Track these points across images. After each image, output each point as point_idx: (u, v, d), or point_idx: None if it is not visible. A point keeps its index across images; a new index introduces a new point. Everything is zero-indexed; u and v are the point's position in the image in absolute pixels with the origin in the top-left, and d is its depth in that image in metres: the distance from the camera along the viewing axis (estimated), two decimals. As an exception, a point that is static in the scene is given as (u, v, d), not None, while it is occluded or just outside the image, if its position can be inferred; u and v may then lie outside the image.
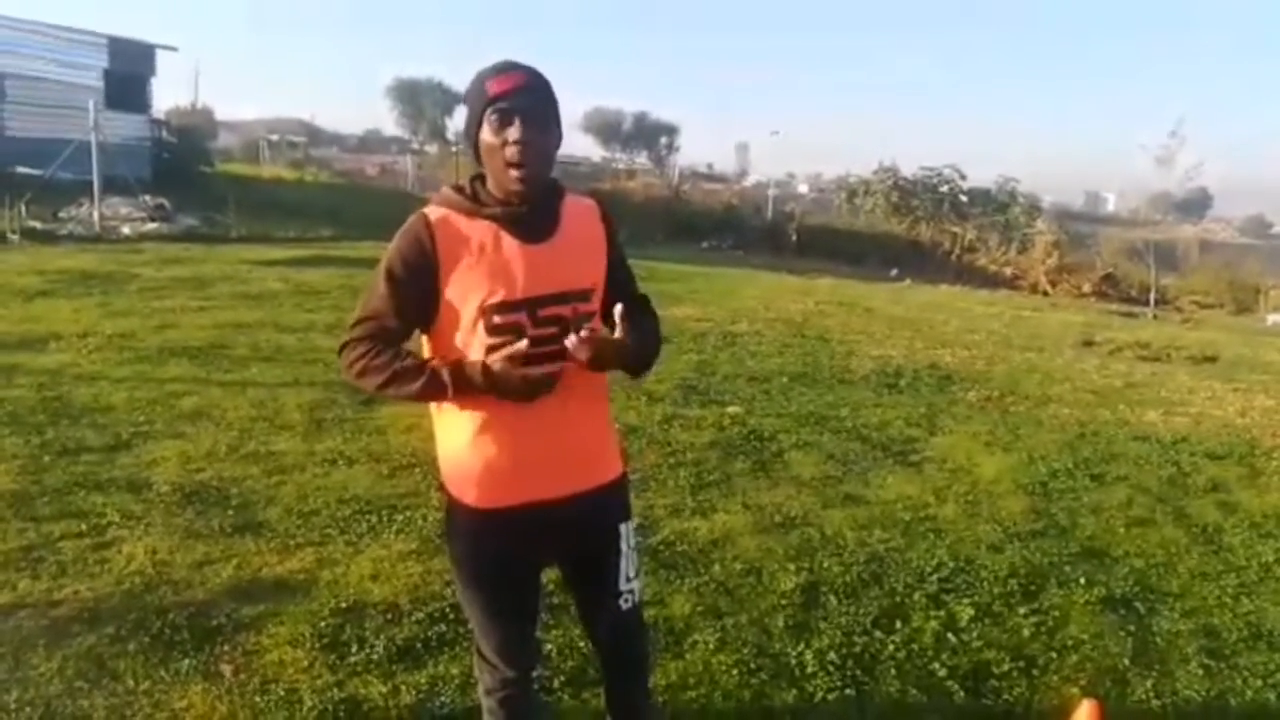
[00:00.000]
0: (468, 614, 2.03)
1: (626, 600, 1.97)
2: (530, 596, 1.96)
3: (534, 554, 1.91)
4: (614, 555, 1.94)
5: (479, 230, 1.73)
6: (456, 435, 1.82)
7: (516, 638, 1.96)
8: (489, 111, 1.67)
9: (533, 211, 1.74)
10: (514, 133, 1.66)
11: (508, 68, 1.70)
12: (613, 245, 1.89)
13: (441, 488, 1.93)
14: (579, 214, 1.85)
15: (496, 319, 1.71)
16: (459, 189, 1.79)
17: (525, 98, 1.68)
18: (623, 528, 1.96)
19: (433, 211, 1.75)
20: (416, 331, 1.82)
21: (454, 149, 31.07)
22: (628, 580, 1.96)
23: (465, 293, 1.71)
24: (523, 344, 1.68)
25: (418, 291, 1.73)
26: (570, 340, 1.69)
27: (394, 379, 1.73)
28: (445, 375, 1.71)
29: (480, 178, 1.78)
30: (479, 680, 2.06)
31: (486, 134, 1.69)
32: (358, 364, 1.77)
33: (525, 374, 1.70)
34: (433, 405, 1.85)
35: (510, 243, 1.73)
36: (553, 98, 1.74)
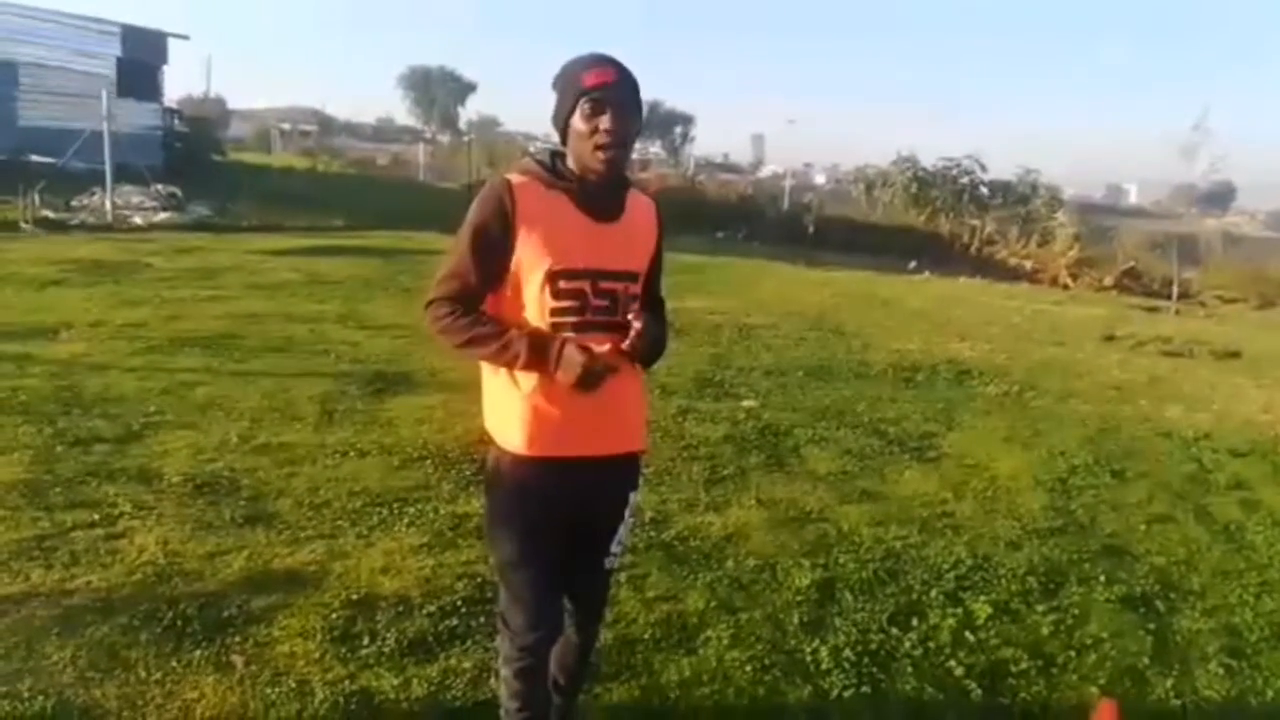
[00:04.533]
0: (498, 572, 2.13)
1: (611, 560, 2.14)
2: (560, 551, 2.02)
3: (568, 507, 1.99)
4: (617, 520, 2.10)
5: (555, 200, 1.88)
6: (509, 386, 1.92)
7: (546, 592, 2.02)
8: (583, 101, 1.83)
9: (604, 192, 1.91)
10: (605, 121, 1.82)
11: (601, 61, 1.86)
12: (659, 242, 2.07)
13: (485, 439, 2.04)
14: (640, 205, 2.02)
15: (562, 284, 1.86)
16: (539, 162, 1.94)
17: (616, 91, 1.84)
18: (632, 496, 2.13)
19: (515, 177, 1.90)
20: None
21: (466, 138, 31.01)
22: (619, 543, 2.13)
23: (536, 255, 1.84)
24: (606, 347, 1.83)
25: (499, 248, 1.86)
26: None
27: (472, 341, 1.87)
28: (521, 346, 1.82)
29: (560, 155, 1.93)
30: (500, 651, 2.10)
31: (577, 120, 1.84)
32: (441, 321, 1.90)
33: (591, 356, 1.80)
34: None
35: (581, 217, 1.88)
36: (638, 92, 1.89)
